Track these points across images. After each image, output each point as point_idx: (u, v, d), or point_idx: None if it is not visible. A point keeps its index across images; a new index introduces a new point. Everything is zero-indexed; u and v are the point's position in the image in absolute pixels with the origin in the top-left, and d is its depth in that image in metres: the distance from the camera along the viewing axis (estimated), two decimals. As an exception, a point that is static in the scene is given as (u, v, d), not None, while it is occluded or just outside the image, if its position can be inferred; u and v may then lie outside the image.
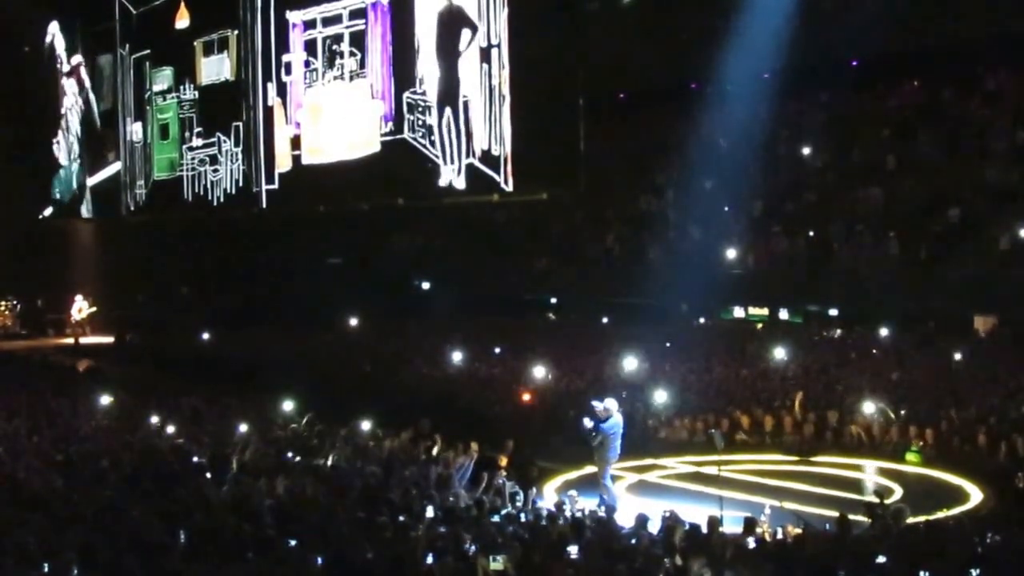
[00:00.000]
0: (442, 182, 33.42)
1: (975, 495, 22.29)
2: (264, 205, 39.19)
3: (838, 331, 35.20)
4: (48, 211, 52.23)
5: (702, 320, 39.21)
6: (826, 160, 37.52)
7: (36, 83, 52.07)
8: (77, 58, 49.62)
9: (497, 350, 36.34)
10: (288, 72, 37.59)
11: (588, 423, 22.05)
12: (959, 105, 36.23)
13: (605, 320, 39.67)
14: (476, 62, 30.87)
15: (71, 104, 50.06)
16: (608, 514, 18.09)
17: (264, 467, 19.78)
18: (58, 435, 24.10)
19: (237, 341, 42.63)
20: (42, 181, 51.97)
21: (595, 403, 22.31)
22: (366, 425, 24.48)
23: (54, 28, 50.61)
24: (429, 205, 36.82)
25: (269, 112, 38.51)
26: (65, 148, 50.77)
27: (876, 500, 18.33)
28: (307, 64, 37.01)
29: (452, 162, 32.95)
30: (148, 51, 45.07)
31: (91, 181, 49.26)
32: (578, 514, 18.04)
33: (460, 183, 32.68)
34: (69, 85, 50.05)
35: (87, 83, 49.17)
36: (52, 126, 51.29)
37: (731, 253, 35.57)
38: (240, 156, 39.93)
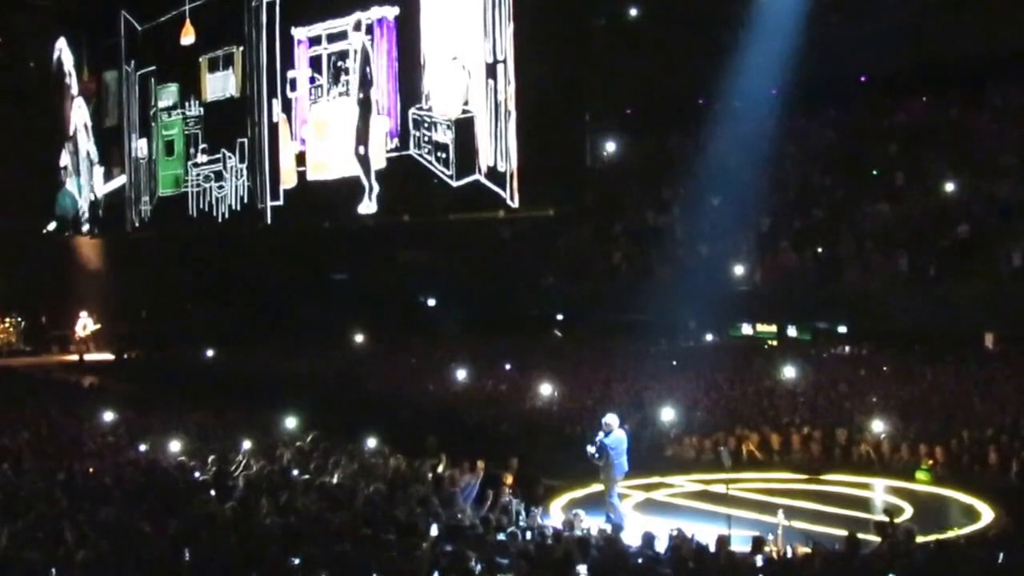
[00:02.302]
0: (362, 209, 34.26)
1: (986, 514, 22.15)
2: (269, 221, 39.11)
3: (847, 348, 35.06)
4: (52, 226, 52.19)
5: (710, 337, 39.07)
6: (834, 176, 37.37)
7: (41, 99, 52.11)
8: (85, 74, 49.65)
9: (507, 366, 36.26)
10: (293, 88, 37.53)
11: (591, 449, 21.97)
12: (968, 121, 36.10)
13: (612, 337, 39.50)
14: (482, 77, 30.76)
15: (80, 122, 50.01)
16: (615, 532, 17.94)
17: (269, 484, 19.64)
18: (62, 452, 23.98)
19: (242, 358, 42.58)
20: (46, 196, 51.97)
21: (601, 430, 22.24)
22: (371, 442, 24.37)
23: (61, 44, 50.60)
24: (435, 221, 36.68)
25: (274, 128, 38.45)
26: (73, 166, 50.74)
27: (886, 519, 18.16)
28: (312, 80, 36.94)
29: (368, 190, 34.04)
30: (153, 67, 45.06)
31: (95, 197, 49.22)
32: (584, 532, 17.88)
33: (372, 208, 34.23)
34: (78, 103, 50.04)
35: (92, 99, 49.19)
36: (60, 142, 51.30)
37: (739, 270, 35.39)
38: (245, 172, 39.86)
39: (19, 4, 49.14)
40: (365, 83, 35.37)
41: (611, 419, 22.19)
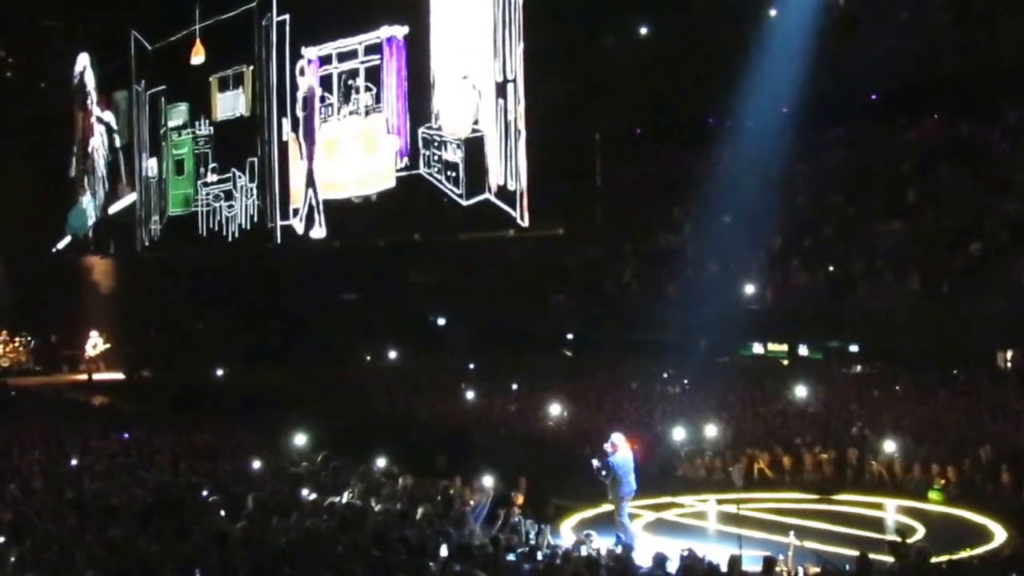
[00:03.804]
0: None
1: (999, 534, 22.01)
2: (279, 240, 39.10)
3: (859, 367, 34.91)
4: (63, 243, 52.21)
5: (722, 357, 38.91)
6: (845, 194, 37.27)
7: (56, 118, 52.22)
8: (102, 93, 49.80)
9: (514, 386, 36.17)
10: (303, 107, 37.56)
11: (596, 463, 21.91)
12: (980, 138, 35.97)
13: (622, 356, 39.34)
14: (492, 96, 30.75)
15: (98, 143, 50.00)
16: (625, 552, 17.84)
17: (279, 505, 19.57)
18: (71, 472, 23.94)
19: (252, 377, 42.52)
20: (58, 216, 52.06)
21: (606, 447, 22.17)
22: (381, 462, 24.30)
23: (84, 60, 50.50)
24: (445, 240, 36.69)
25: (284, 147, 38.48)
26: (89, 184, 50.74)
27: (898, 539, 18.04)
28: (322, 99, 36.98)
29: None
30: (164, 87, 45.17)
31: (106, 216, 49.30)
32: (594, 553, 17.80)
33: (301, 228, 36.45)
34: (97, 121, 50.02)
35: (109, 118, 49.28)
36: (81, 161, 51.36)
37: (750, 288, 35.28)
38: (255, 192, 39.88)
39: (31, 26, 49.31)
40: (308, 125, 36.05)
41: (617, 438, 22.14)
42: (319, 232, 37.42)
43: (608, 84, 33.24)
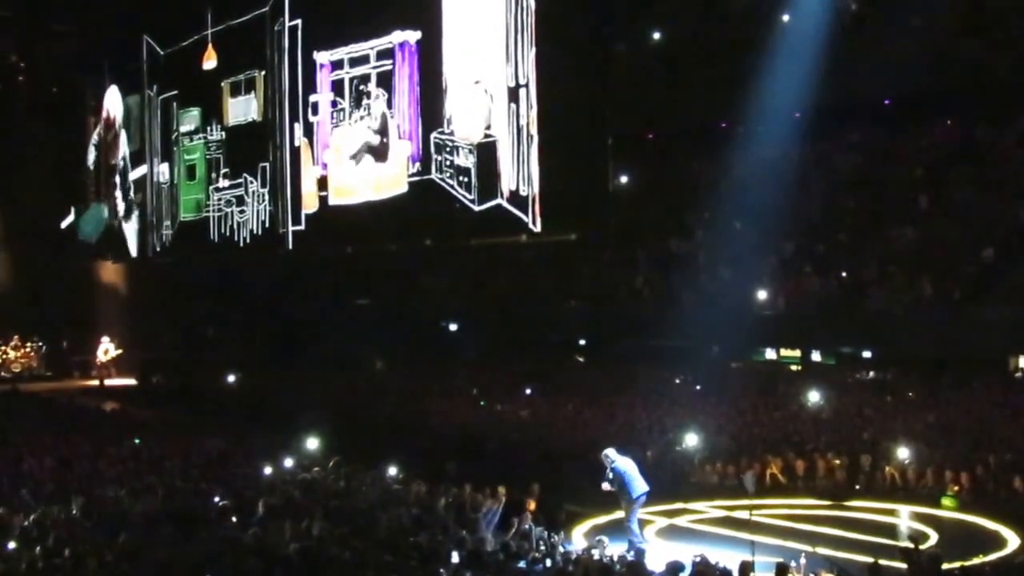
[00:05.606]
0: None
1: (1012, 541, 21.93)
2: (291, 246, 39.07)
3: (871, 373, 34.82)
4: (65, 222, 52.19)
5: (734, 363, 38.83)
6: (858, 200, 37.18)
7: (69, 123, 52.29)
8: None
9: (526, 392, 36.15)
10: (315, 112, 37.54)
11: (605, 487, 22.13)
12: (993, 144, 35.86)
13: (634, 362, 39.25)
14: (504, 101, 30.69)
15: (119, 158, 49.92)
16: (638, 558, 17.80)
17: (290, 510, 19.55)
18: (82, 477, 23.95)
19: (263, 383, 42.52)
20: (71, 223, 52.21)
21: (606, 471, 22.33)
22: (392, 469, 24.27)
23: (115, 96, 50.30)
24: (457, 246, 36.63)
25: (296, 153, 38.45)
26: (106, 192, 50.68)
27: (911, 545, 17.99)
28: (334, 104, 36.94)
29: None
30: (175, 92, 45.15)
31: (118, 221, 49.32)
32: (607, 559, 17.75)
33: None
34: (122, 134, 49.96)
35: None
36: (99, 170, 51.35)
37: (762, 294, 35.22)
38: (267, 197, 39.86)
39: (42, 31, 49.36)
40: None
41: (610, 452, 22.37)
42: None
43: (620, 89, 33.14)
